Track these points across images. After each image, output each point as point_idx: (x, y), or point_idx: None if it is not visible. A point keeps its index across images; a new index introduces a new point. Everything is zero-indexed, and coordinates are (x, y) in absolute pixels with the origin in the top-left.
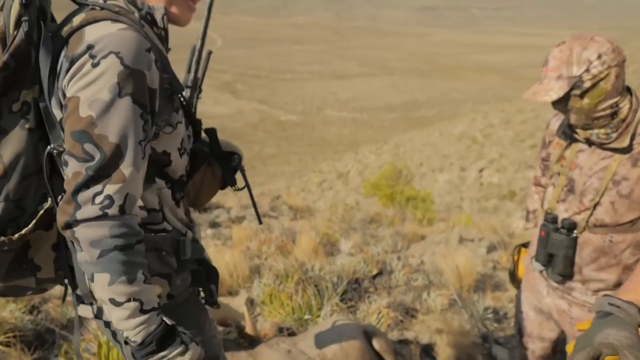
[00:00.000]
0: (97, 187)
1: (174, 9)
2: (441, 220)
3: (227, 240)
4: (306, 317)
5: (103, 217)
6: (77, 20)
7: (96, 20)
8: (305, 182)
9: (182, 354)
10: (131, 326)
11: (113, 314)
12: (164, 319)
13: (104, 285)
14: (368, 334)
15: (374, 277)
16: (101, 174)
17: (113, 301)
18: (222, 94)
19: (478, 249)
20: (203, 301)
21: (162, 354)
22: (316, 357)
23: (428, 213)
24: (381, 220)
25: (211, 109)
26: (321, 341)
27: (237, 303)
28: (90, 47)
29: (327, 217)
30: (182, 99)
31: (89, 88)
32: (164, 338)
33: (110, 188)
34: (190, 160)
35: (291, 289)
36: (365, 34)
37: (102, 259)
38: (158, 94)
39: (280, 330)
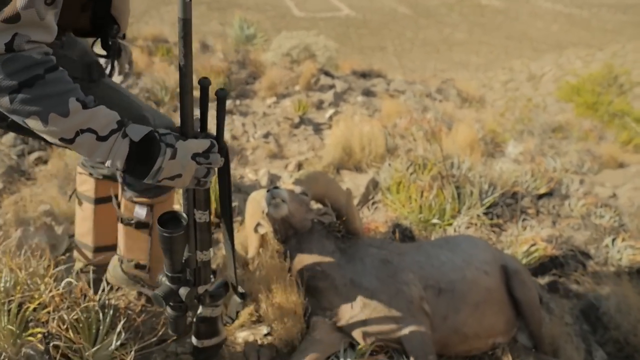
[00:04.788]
0: None
1: None
2: None
3: (376, 113)
4: (434, 221)
5: None
6: None
7: None
8: (490, 77)
9: (173, 156)
10: (102, 157)
11: (77, 152)
12: (129, 133)
13: (42, 129)
14: (507, 271)
15: (540, 196)
16: None
17: (64, 140)
18: None
19: None
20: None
21: (154, 169)
22: (419, 282)
23: (638, 137)
24: (570, 131)
25: None
26: (437, 262)
27: (359, 182)
28: None
29: (500, 112)
30: None
31: None
32: (147, 152)
33: None
34: None
35: (425, 182)
36: None
37: (15, 102)
38: None
39: (395, 228)
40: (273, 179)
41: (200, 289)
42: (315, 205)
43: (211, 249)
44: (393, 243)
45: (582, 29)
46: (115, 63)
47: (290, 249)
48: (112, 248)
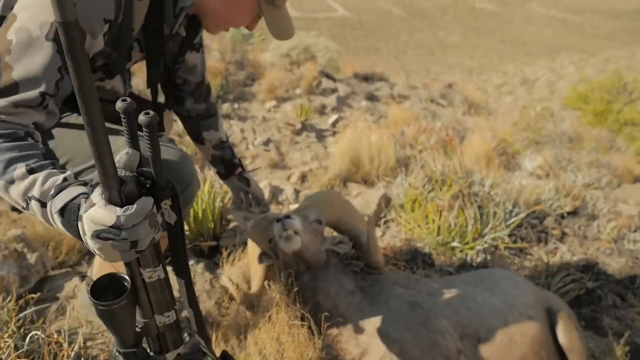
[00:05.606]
0: None
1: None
2: None
3: (381, 119)
4: (454, 244)
5: None
6: None
7: None
8: (483, 80)
9: (84, 232)
10: (51, 225)
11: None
12: (56, 201)
13: (3, 197)
14: (552, 314)
15: (563, 215)
16: None
17: (23, 208)
18: None
19: None
20: None
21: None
22: (455, 331)
23: None
24: (581, 141)
25: None
26: (473, 304)
27: (370, 197)
28: None
29: (514, 120)
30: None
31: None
32: (70, 225)
33: None
34: None
35: (445, 201)
36: None
37: None
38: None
39: (414, 258)
40: (275, 192)
41: (170, 356)
42: (328, 231)
43: (174, 309)
44: (420, 280)
45: (575, 34)
46: None
47: (303, 288)
48: None
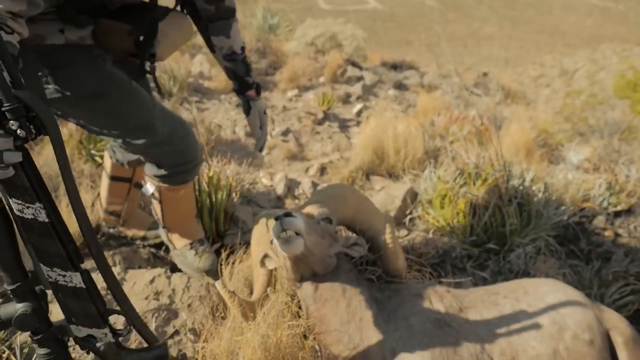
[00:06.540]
0: None
1: None
2: None
3: (409, 108)
4: (489, 245)
5: None
6: None
7: None
8: (519, 73)
9: None
10: None
11: None
12: None
13: None
14: (613, 337)
15: (615, 214)
16: None
17: None
18: None
19: None
20: None
21: None
22: (491, 359)
23: None
24: (631, 132)
25: None
26: (514, 324)
27: (394, 192)
28: None
29: (557, 109)
30: None
31: None
32: None
33: None
34: None
35: (479, 196)
36: None
37: None
38: None
39: (442, 262)
40: (291, 185)
41: (77, 330)
42: (341, 231)
43: (79, 273)
44: (449, 292)
45: (617, 23)
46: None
47: (306, 297)
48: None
